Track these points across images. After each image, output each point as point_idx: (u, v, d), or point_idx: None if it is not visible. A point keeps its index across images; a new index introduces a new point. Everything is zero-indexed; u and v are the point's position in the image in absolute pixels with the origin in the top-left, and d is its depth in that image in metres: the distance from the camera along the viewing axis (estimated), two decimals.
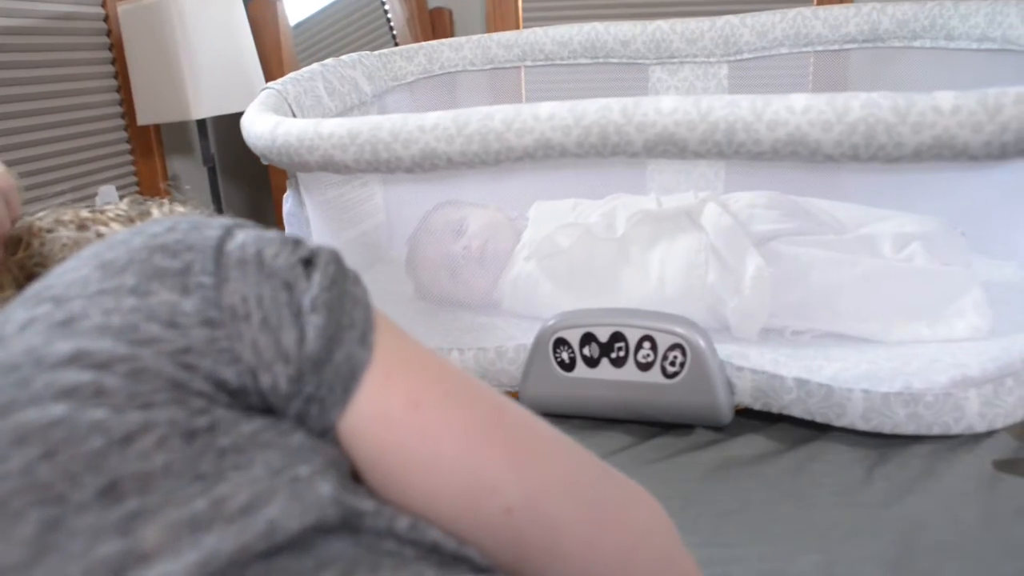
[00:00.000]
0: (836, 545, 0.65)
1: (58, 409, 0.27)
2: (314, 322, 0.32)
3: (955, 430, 0.77)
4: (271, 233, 0.35)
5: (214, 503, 0.27)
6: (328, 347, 0.32)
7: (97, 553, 0.25)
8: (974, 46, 1.18)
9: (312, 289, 0.33)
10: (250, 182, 1.77)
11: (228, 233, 0.34)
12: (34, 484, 0.26)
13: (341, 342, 0.32)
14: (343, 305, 0.33)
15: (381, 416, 0.32)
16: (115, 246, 0.34)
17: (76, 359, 0.29)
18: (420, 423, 0.33)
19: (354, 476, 0.33)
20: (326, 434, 0.32)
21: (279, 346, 0.31)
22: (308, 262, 0.34)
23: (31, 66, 1.25)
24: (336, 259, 0.35)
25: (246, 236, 0.34)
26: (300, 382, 0.31)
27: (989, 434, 0.78)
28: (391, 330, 0.35)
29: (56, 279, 0.33)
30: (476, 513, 0.33)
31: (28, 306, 0.32)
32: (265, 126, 0.87)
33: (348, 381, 0.32)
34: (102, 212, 0.56)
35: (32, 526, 0.25)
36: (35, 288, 0.33)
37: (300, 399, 0.32)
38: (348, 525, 0.29)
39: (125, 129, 1.47)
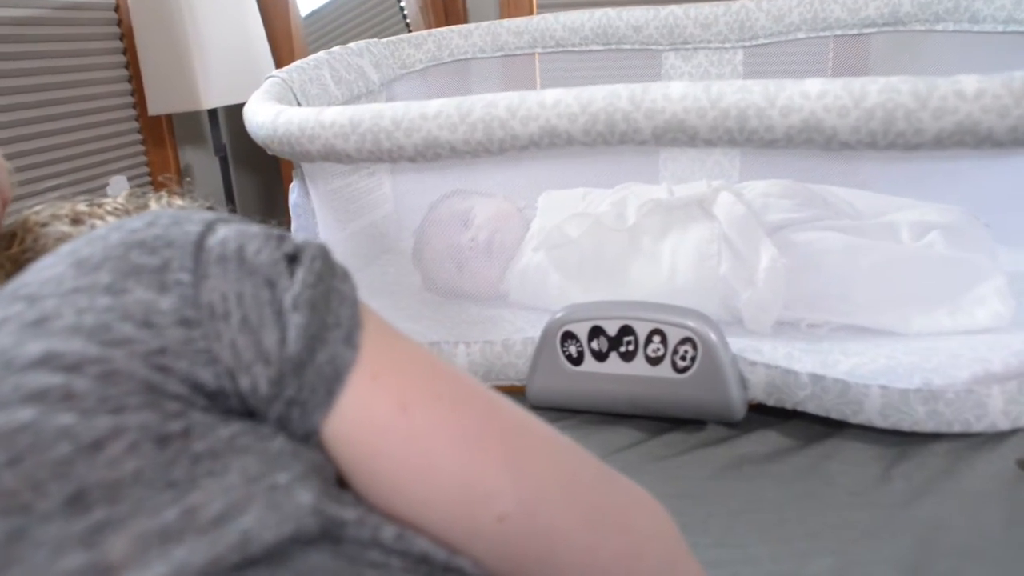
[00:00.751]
0: (851, 547, 0.64)
1: (25, 413, 0.26)
2: (295, 321, 0.31)
3: (977, 428, 0.75)
4: (255, 228, 0.34)
5: (186, 512, 0.26)
6: (310, 347, 0.31)
7: (61, 566, 0.24)
8: (1000, 28, 1.14)
9: (295, 286, 0.31)
10: (262, 172, 1.76)
11: (209, 228, 0.33)
12: None
13: (325, 342, 0.31)
14: (328, 303, 0.32)
15: (367, 420, 0.31)
16: (92, 242, 0.32)
17: (46, 361, 0.28)
18: (409, 427, 0.31)
19: (341, 482, 0.32)
20: (309, 439, 0.31)
21: (259, 346, 0.30)
22: (293, 258, 0.33)
23: (42, 56, 1.25)
24: (323, 254, 0.34)
25: (228, 231, 0.33)
26: (281, 384, 0.30)
27: (1013, 432, 0.75)
28: (380, 328, 0.34)
29: (32, 276, 0.32)
30: (469, 521, 0.31)
31: (1, 305, 0.31)
32: (267, 115, 0.85)
33: (332, 383, 0.31)
34: (99, 206, 0.55)
35: None
36: (11, 286, 0.32)
37: (281, 402, 0.30)
38: (329, 535, 0.28)
39: (136, 119, 1.46)
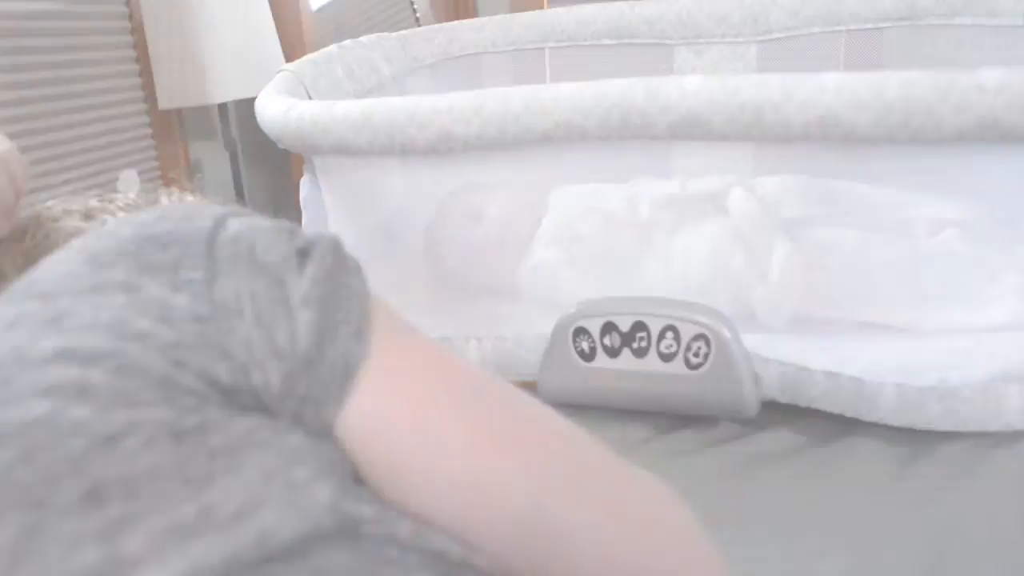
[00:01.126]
0: (866, 546, 0.63)
1: (40, 407, 0.26)
2: (305, 318, 0.30)
3: (993, 426, 0.74)
4: (266, 223, 0.34)
5: (203, 509, 0.25)
6: (320, 344, 0.30)
7: (77, 561, 0.24)
8: (1020, 22, 1.13)
9: (304, 283, 0.31)
10: (272, 166, 1.77)
11: (220, 223, 0.33)
12: (12, 487, 0.24)
13: (335, 338, 0.31)
14: (338, 299, 0.32)
15: (379, 415, 0.31)
16: (104, 237, 0.32)
17: (61, 355, 0.27)
18: (421, 423, 0.31)
19: (357, 478, 0.31)
20: (324, 435, 0.31)
21: (272, 342, 0.30)
22: (304, 253, 0.33)
23: (52, 50, 1.25)
24: (334, 249, 0.34)
25: (239, 226, 0.33)
26: (293, 381, 0.30)
27: None
28: (391, 323, 0.33)
29: (45, 274, 0.32)
30: (483, 516, 0.31)
31: (16, 303, 0.31)
32: (278, 109, 0.85)
33: (343, 379, 0.30)
34: (111, 201, 0.55)
35: (10, 532, 0.24)
36: (23, 283, 0.32)
37: (294, 398, 0.30)
38: (346, 532, 0.28)
39: (147, 113, 1.46)
